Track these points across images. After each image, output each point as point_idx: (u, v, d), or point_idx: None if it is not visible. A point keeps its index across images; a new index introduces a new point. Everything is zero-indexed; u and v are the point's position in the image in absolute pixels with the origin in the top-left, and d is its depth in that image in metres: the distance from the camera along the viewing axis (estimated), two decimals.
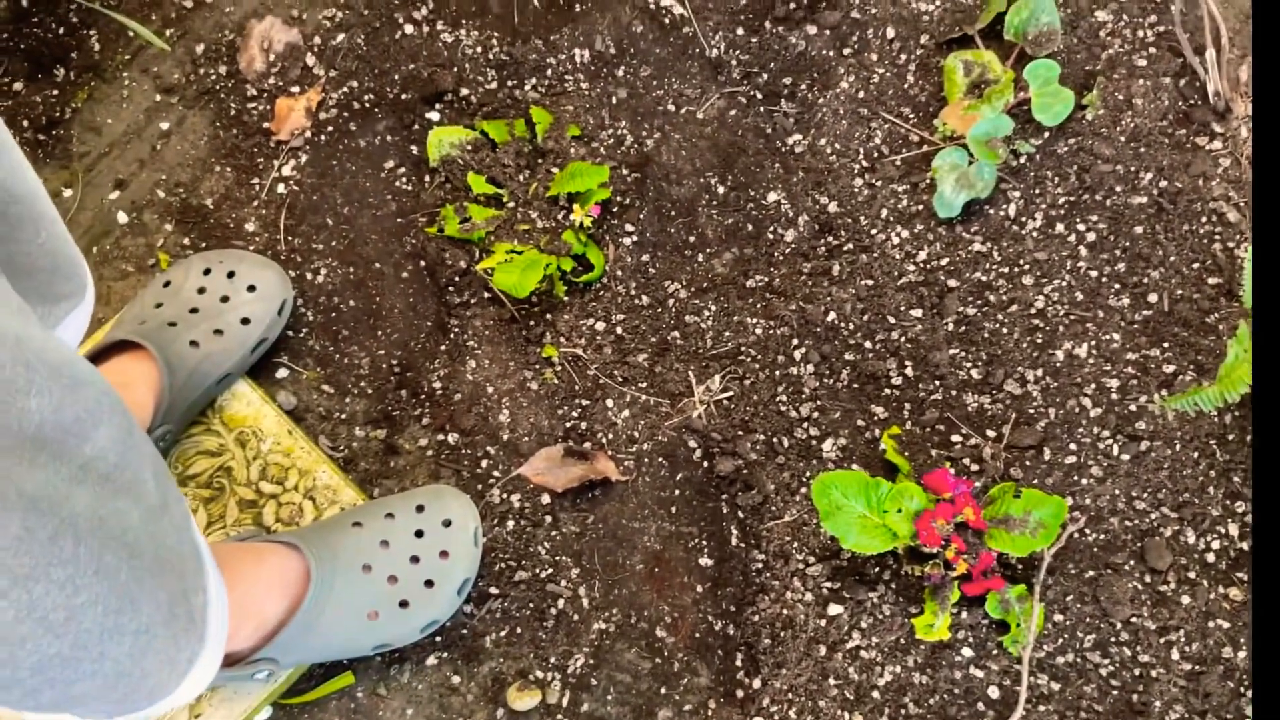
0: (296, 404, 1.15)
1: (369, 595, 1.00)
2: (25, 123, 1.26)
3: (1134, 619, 1.04)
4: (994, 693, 1.02)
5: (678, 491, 1.11)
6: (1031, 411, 1.09)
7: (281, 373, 1.16)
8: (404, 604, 1.02)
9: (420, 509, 1.05)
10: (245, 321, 1.11)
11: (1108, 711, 1.01)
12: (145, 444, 0.67)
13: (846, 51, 1.22)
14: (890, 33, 1.22)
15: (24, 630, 0.56)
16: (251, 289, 1.12)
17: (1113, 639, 1.03)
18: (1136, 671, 1.02)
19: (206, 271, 1.12)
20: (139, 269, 1.20)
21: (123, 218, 1.22)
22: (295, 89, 1.25)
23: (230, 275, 1.12)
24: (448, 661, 1.07)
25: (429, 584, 1.02)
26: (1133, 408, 1.09)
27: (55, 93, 1.27)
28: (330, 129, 1.24)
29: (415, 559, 1.03)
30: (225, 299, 1.11)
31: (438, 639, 1.07)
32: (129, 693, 0.72)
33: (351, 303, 1.18)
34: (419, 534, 1.03)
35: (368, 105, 1.25)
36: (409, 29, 1.27)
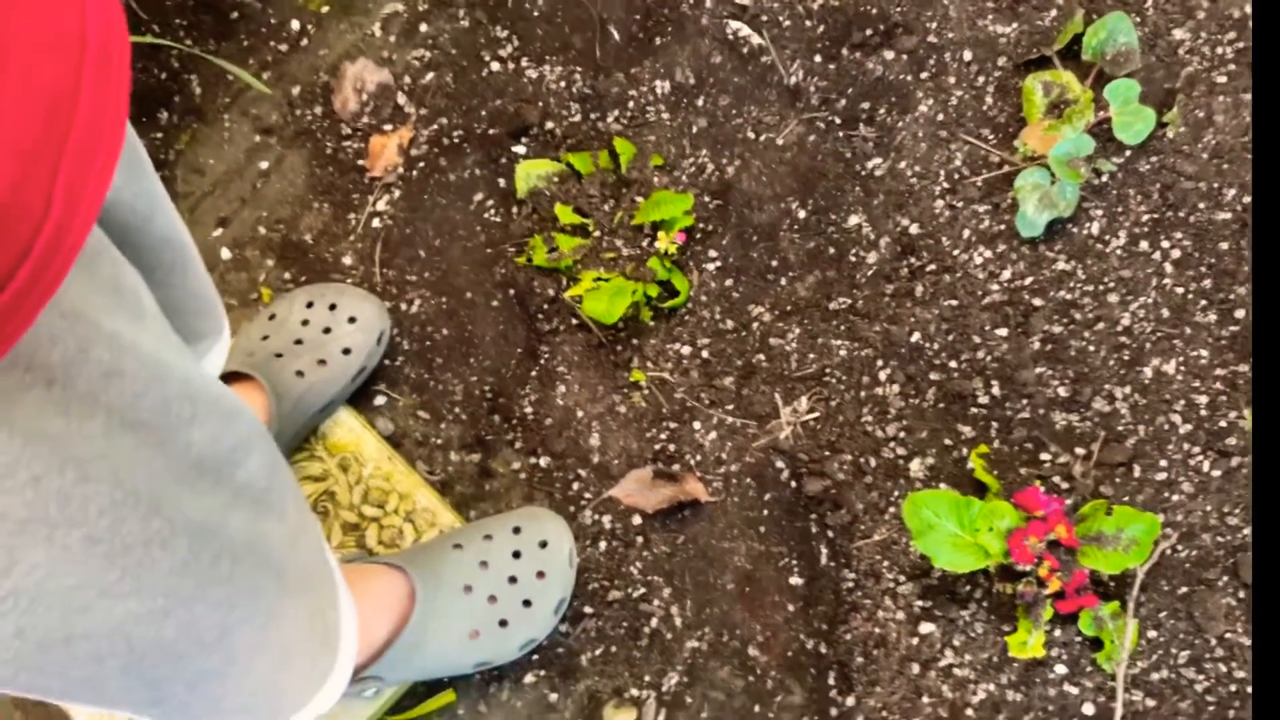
0: (394, 430, 1.19)
1: (470, 615, 1.04)
2: None
3: (1228, 634, 1.03)
4: (1089, 709, 1.03)
5: (766, 512, 1.13)
6: (1120, 429, 1.10)
7: (380, 400, 1.20)
8: (503, 623, 1.05)
9: (517, 530, 1.08)
10: (346, 351, 1.15)
11: None
12: (286, 470, 0.71)
13: (924, 75, 1.24)
14: (967, 55, 1.24)
15: (183, 647, 0.60)
16: (352, 320, 1.16)
17: (1208, 655, 1.03)
18: (1233, 687, 1.02)
19: (309, 304, 1.17)
20: (242, 303, 1.25)
21: (226, 254, 1.27)
22: (388, 127, 1.30)
23: (332, 308, 1.16)
24: (545, 679, 1.10)
25: (527, 604, 1.05)
26: (1222, 424, 1.09)
27: (160, 136, 1.33)
28: (421, 165, 1.28)
29: (513, 579, 1.06)
30: (327, 330, 1.15)
31: (535, 657, 1.10)
32: (271, 705, 0.76)
33: (445, 331, 1.22)
34: (516, 555, 1.06)
35: (457, 141, 1.29)
36: (495, 66, 1.31)
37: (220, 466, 0.60)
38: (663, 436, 1.17)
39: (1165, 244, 1.15)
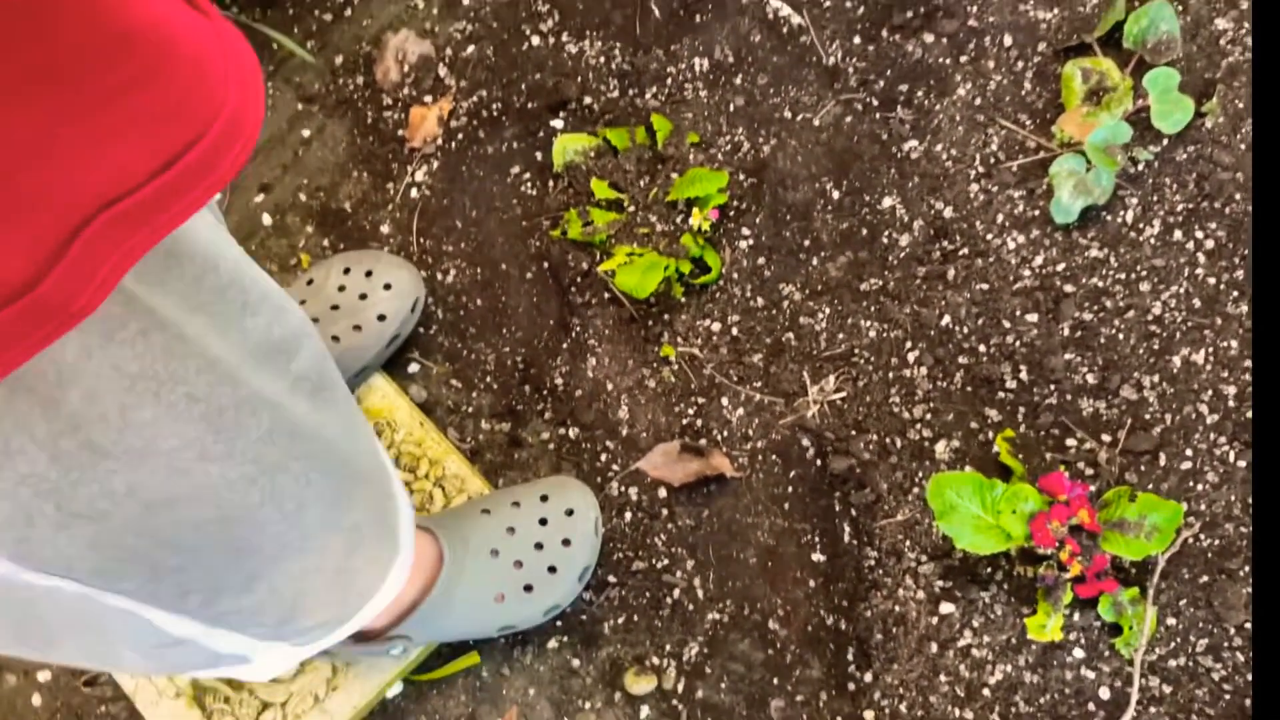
0: (427, 397, 1.21)
1: (496, 579, 1.06)
2: None
3: (1248, 624, 1.04)
4: (1105, 694, 1.03)
5: (791, 489, 1.14)
6: (1147, 417, 1.10)
7: (413, 367, 1.22)
8: (528, 588, 1.07)
9: (544, 498, 1.10)
10: (382, 318, 1.17)
11: (1220, 715, 1.02)
12: (335, 369, 0.73)
13: (964, 59, 1.24)
14: (1008, 40, 1.24)
15: (265, 514, 0.62)
16: (388, 287, 1.18)
17: (1226, 643, 1.04)
18: (1249, 676, 1.02)
19: (346, 271, 1.19)
20: (282, 268, 1.28)
21: (267, 220, 1.30)
22: (428, 98, 1.31)
23: (368, 274, 1.18)
24: (568, 645, 1.12)
25: (552, 570, 1.07)
26: (1249, 415, 1.09)
27: None
28: (460, 136, 1.30)
29: (539, 545, 1.08)
30: (363, 296, 1.17)
31: (558, 623, 1.12)
32: (345, 590, 0.78)
33: (479, 302, 1.24)
34: (543, 522, 1.08)
35: (496, 114, 1.30)
36: (535, 41, 1.32)
37: (276, 354, 0.63)
38: (691, 411, 1.18)
39: (1199, 234, 1.15)
